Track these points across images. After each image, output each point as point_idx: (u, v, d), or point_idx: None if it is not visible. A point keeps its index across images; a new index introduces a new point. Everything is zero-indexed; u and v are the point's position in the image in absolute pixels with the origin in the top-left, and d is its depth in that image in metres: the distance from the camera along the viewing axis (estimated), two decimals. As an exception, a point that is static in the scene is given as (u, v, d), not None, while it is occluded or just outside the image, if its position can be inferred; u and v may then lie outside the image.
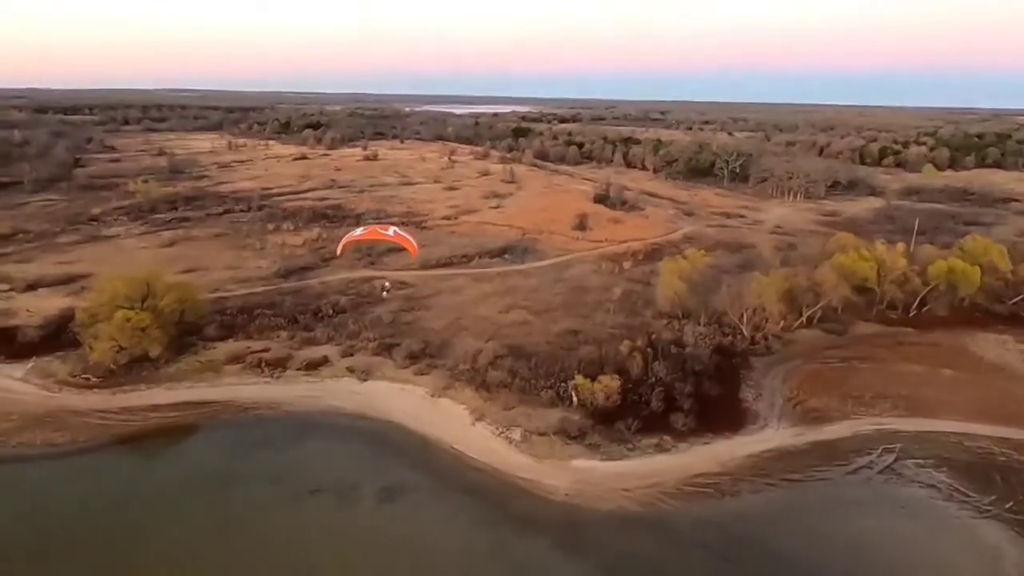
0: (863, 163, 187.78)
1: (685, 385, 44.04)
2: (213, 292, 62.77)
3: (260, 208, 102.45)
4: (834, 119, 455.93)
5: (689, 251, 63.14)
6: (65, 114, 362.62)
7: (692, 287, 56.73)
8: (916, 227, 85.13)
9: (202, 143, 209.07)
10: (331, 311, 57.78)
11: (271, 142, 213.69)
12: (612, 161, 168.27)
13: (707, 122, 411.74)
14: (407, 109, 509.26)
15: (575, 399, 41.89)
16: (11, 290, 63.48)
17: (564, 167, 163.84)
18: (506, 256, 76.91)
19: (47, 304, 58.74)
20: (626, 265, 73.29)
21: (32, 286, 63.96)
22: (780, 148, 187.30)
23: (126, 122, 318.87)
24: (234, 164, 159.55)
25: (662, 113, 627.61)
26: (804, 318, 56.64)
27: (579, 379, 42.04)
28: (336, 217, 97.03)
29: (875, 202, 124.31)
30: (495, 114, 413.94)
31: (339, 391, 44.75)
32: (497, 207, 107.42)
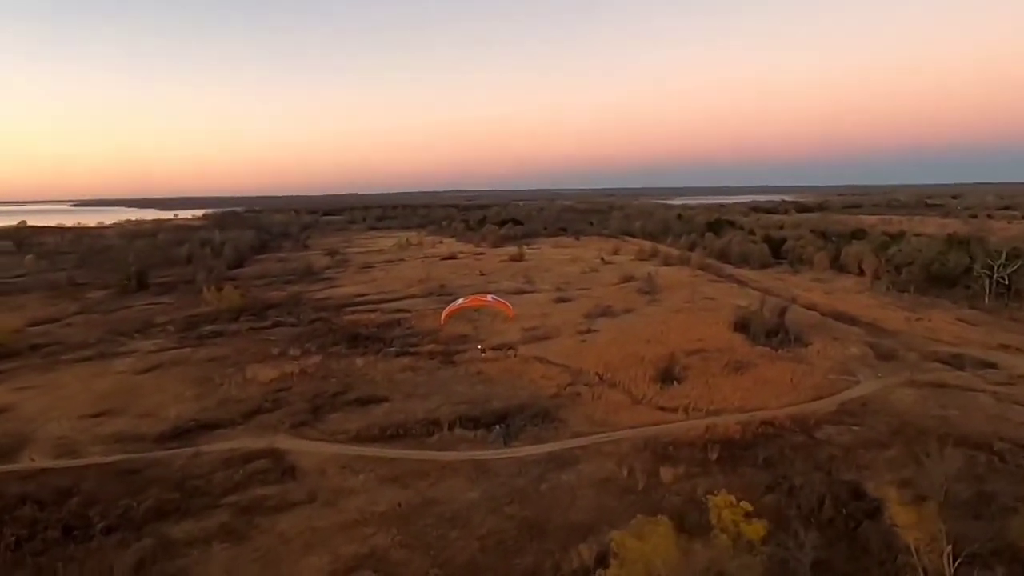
0: None
1: None
2: (57, 458, 46.35)
3: (312, 322, 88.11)
4: None
5: (720, 500, 28.89)
6: (326, 215, 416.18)
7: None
8: None
9: (387, 241, 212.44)
10: (97, 528, 36.12)
11: (448, 240, 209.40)
12: (813, 264, 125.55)
13: (1007, 207, 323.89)
14: (635, 201, 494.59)
15: None
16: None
17: (742, 271, 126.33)
18: (498, 427, 48.49)
19: None
20: (670, 474, 39.96)
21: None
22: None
23: (363, 220, 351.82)
24: (380, 264, 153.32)
25: (953, 197, 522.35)
26: None
27: None
28: (376, 339, 77.59)
29: None
30: (721, 204, 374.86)
31: None
32: (587, 331, 78.54)
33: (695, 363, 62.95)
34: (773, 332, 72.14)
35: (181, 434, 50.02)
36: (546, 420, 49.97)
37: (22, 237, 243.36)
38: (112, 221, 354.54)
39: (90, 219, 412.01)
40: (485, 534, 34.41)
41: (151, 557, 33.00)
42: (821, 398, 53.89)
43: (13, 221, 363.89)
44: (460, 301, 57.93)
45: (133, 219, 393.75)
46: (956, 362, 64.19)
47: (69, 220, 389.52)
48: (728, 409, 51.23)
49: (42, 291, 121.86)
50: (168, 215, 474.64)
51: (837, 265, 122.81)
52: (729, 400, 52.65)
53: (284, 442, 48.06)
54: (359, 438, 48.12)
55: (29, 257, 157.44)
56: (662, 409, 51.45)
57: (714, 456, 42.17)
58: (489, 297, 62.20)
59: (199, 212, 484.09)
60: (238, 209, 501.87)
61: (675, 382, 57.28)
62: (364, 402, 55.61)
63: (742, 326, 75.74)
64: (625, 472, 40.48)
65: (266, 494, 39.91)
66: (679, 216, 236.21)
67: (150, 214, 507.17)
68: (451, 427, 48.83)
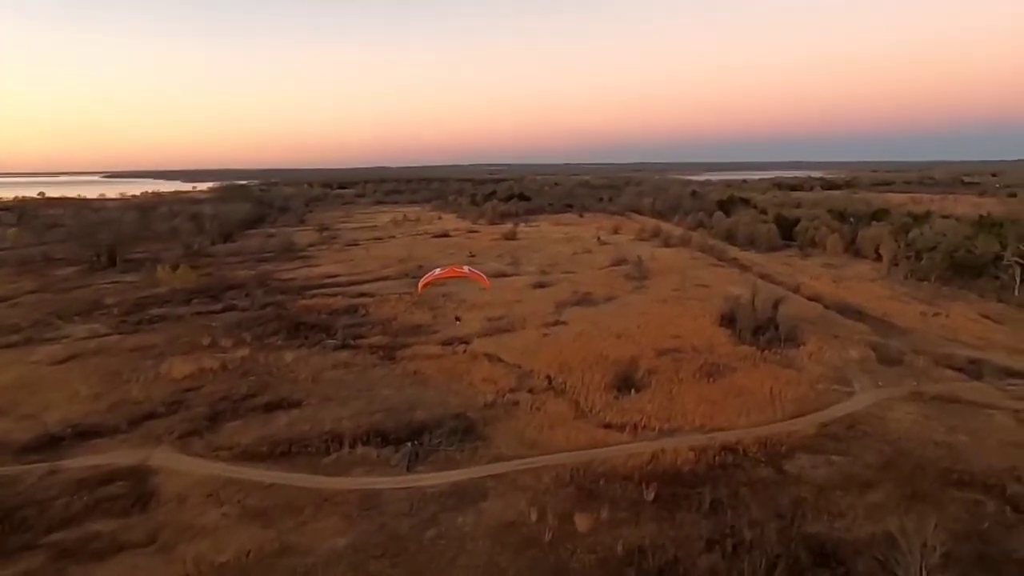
0: None
1: None
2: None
3: (264, 306, 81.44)
4: None
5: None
6: (340, 188, 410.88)
7: None
8: None
9: (386, 216, 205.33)
10: None
11: (449, 215, 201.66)
12: (825, 247, 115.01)
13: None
14: (656, 176, 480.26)
15: None
16: None
17: (747, 255, 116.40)
18: (409, 445, 41.10)
19: None
20: (588, 521, 32.10)
21: None
22: None
23: (373, 193, 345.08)
24: (367, 241, 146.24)
25: (993, 175, 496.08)
26: None
27: None
28: (322, 327, 70.53)
29: None
30: (744, 180, 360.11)
31: None
32: (555, 323, 70.65)
33: (664, 366, 54.68)
34: (763, 328, 63.28)
35: (51, 443, 43.54)
36: (467, 437, 42.38)
37: (26, 210, 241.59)
38: (117, 193, 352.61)
39: (111, 190, 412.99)
40: (327, 604, 27.11)
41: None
42: (803, 415, 45.42)
43: (33, 192, 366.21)
44: (437, 271, 59.57)
45: (150, 191, 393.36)
46: (973, 369, 55.05)
47: (92, 191, 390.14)
48: (686, 428, 43.12)
49: (13, 267, 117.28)
50: (188, 187, 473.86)
51: (853, 249, 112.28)
52: (690, 416, 44.45)
53: (160, 458, 41.31)
54: (245, 455, 41.12)
55: (12, 231, 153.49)
56: (607, 426, 43.45)
57: (651, 496, 34.19)
58: (466, 269, 63.45)
59: (217, 184, 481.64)
60: (253, 181, 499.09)
61: (633, 390, 49.12)
62: (273, 407, 48.63)
63: (730, 320, 67.00)
64: (535, 515, 32.77)
65: (101, 531, 33.12)
66: (693, 193, 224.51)
67: (171, 186, 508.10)
68: (354, 444, 41.54)
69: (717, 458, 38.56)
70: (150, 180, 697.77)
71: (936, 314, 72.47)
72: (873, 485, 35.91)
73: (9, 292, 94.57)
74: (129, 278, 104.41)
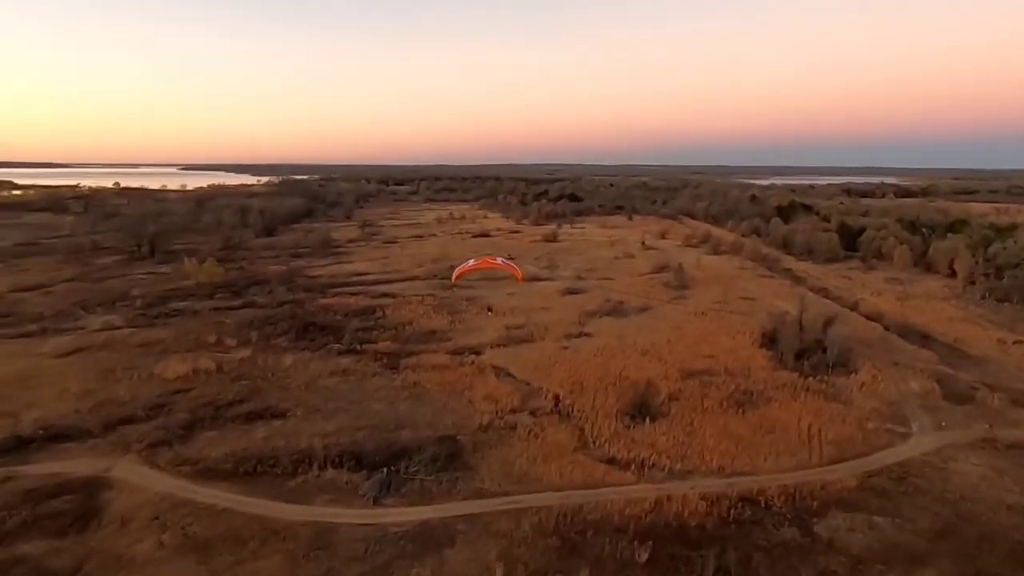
0: None
1: None
2: None
3: (282, 304, 79.17)
4: None
5: None
6: (397, 185, 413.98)
7: None
8: None
9: (432, 214, 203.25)
10: None
11: (495, 215, 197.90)
12: (892, 260, 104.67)
13: None
14: (718, 180, 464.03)
15: None
16: None
17: (803, 265, 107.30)
18: (385, 471, 36.89)
19: None
20: (562, 586, 26.98)
21: None
22: None
23: (427, 190, 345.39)
24: (405, 239, 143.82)
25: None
26: None
27: None
28: (332, 329, 67.37)
29: None
30: (811, 185, 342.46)
31: None
32: (579, 335, 65.42)
33: (689, 391, 48.66)
34: (809, 351, 56.19)
35: (18, 447, 41.30)
36: (450, 466, 37.72)
37: (95, 199, 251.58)
38: (179, 185, 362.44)
39: (177, 182, 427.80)
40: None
41: None
42: (844, 460, 38.75)
43: (109, 182, 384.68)
44: (471, 262, 61.24)
45: (216, 183, 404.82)
46: (1059, 412, 46.67)
47: (159, 182, 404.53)
48: (702, 470, 37.19)
49: (61, 254, 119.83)
50: (254, 180, 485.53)
51: (924, 263, 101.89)
52: (708, 456, 38.47)
53: (123, 469, 38.40)
54: (209, 471, 37.70)
55: (70, 219, 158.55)
56: (611, 462, 37.96)
57: (644, 556, 28.71)
58: (498, 260, 64.59)
59: (278, 178, 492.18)
60: (314, 176, 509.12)
61: (648, 419, 43.38)
62: (255, 417, 45.30)
63: (772, 339, 60.10)
64: (501, 573, 27.82)
65: (28, 554, 30.16)
66: (752, 197, 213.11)
67: (239, 179, 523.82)
68: (324, 466, 37.57)
69: (733, 511, 32.62)
70: (222, 173, 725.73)
71: (1017, 342, 63.40)
72: (924, 560, 29.36)
73: (47, 280, 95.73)
74: (164, 269, 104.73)
